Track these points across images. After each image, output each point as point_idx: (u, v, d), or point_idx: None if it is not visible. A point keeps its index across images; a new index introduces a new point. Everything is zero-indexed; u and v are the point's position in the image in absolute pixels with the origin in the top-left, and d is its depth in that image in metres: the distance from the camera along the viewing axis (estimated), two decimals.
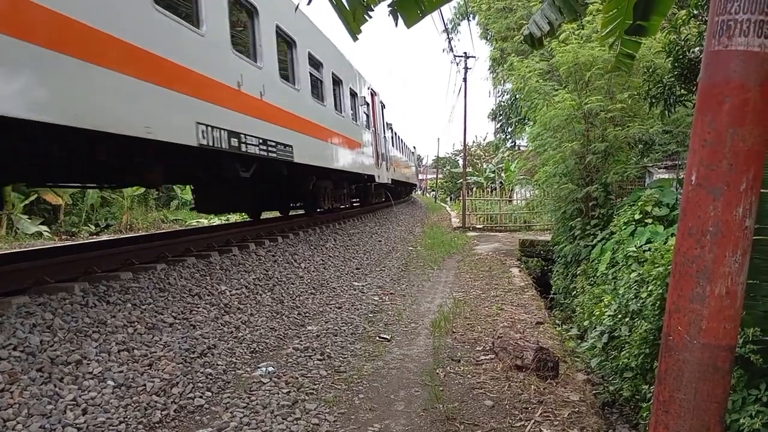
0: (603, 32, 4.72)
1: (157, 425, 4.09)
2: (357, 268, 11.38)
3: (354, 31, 4.08)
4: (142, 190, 21.43)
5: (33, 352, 4.07)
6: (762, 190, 2.06)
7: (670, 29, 7.86)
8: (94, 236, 18.62)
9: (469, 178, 35.58)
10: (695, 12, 7.11)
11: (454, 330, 7.00)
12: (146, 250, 7.36)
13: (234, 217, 20.23)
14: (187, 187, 21.26)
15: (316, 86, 11.80)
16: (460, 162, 44.79)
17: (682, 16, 7.39)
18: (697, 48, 6.94)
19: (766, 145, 2.00)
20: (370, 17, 4.03)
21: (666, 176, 11.53)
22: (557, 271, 13.01)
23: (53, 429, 3.56)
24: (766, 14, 1.89)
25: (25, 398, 3.66)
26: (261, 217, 13.75)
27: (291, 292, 8.09)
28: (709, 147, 1.97)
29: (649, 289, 5.27)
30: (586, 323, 7.81)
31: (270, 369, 5.37)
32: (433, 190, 65.43)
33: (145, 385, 4.37)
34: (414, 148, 41.40)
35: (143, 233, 14.87)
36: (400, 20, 4.13)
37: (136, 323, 5.13)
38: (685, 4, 7.83)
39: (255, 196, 11.83)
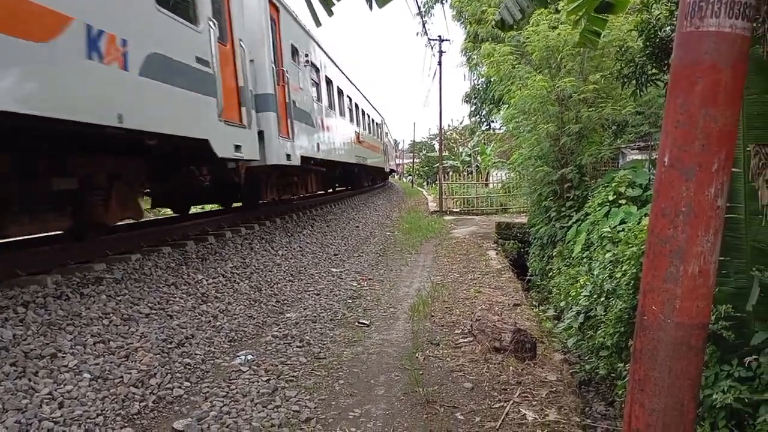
0: (570, 8, 4.73)
1: (135, 417, 4.05)
2: (335, 254, 11.36)
3: (327, 13, 4.04)
4: None
5: (6, 346, 3.99)
6: (734, 170, 2.08)
7: (642, 8, 7.90)
8: None
9: (445, 162, 35.70)
10: None
11: (432, 314, 7.03)
12: (120, 241, 7.24)
13: (209, 206, 19.98)
14: None
15: None
16: (437, 146, 44.81)
17: None
18: (669, 27, 6.99)
19: (737, 125, 2.02)
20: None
21: (639, 157, 11.69)
22: (533, 252, 13.15)
23: (29, 423, 3.50)
24: None
25: None
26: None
27: (269, 280, 8.05)
28: (681, 128, 1.98)
29: (623, 269, 5.35)
30: (562, 304, 7.91)
31: (249, 357, 5.35)
32: (409, 175, 65.53)
33: (122, 376, 4.32)
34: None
35: (118, 223, 14.59)
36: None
37: (111, 315, 5.06)
38: None
39: None
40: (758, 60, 3.40)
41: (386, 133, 35.30)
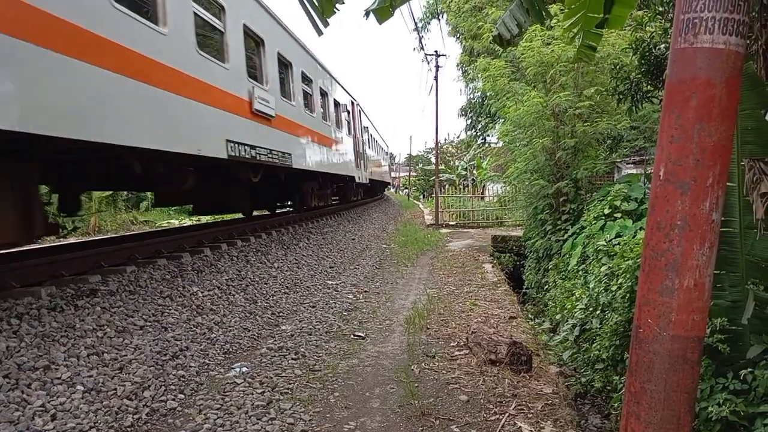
0: (565, 24, 4.78)
1: (128, 429, 4.02)
2: (331, 267, 11.34)
3: (323, 24, 4.08)
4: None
5: None
6: (728, 184, 2.10)
7: (636, 27, 7.99)
8: (61, 239, 18.21)
9: (441, 175, 35.77)
10: (660, 9, 7.24)
11: (428, 326, 7.02)
12: (115, 252, 7.22)
13: (205, 218, 20.03)
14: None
15: None
16: (433, 159, 44.90)
17: (648, 14, 7.52)
18: (663, 45, 7.07)
19: (732, 140, 2.04)
20: (338, 10, 4.04)
21: (634, 171, 11.75)
22: (529, 266, 13.15)
23: None
24: (730, 12, 1.93)
25: None
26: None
27: (264, 292, 8.03)
28: (676, 143, 2.01)
29: (618, 282, 5.35)
30: (558, 317, 7.91)
31: (244, 369, 5.32)
32: (406, 188, 65.66)
33: (115, 389, 4.30)
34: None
35: (112, 235, 14.60)
36: (372, 16, 4.14)
37: (105, 327, 5.04)
38: (650, 2, 7.95)
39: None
40: (752, 76, 3.44)
41: (365, 127, 23.99)
